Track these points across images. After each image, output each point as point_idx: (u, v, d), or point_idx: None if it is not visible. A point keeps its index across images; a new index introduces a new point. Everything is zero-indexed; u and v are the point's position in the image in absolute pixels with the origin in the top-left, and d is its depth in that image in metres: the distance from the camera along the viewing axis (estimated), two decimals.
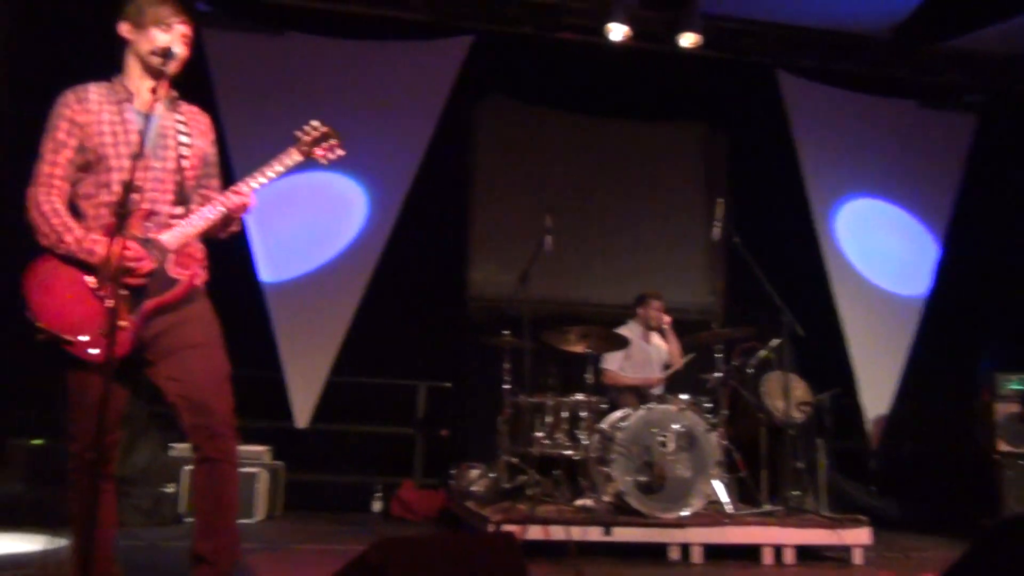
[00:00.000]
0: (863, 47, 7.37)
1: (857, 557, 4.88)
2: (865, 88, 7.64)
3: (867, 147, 7.70)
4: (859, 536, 4.91)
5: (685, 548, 4.73)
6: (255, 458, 6.07)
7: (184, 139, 2.81)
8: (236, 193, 2.77)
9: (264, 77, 6.76)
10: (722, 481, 5.13)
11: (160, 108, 2.80)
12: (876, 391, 7.32)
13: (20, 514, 5.04)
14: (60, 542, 2.52)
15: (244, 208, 2.80)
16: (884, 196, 7.78)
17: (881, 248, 7.68)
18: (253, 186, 2.80)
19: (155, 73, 2.72)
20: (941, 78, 7.51)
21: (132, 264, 2.56)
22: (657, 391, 5.99)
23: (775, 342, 5.73)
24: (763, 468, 5.59)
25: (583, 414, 5.29)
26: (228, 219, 2.82)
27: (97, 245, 2.62)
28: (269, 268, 6.69)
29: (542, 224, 5.53)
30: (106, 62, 2.90)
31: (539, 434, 5.37)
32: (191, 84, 3.01)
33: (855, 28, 7.20)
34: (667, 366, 6.24)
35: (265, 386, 6.48)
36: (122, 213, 2.44)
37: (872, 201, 7.77)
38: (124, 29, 2.78)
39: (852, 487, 6.81)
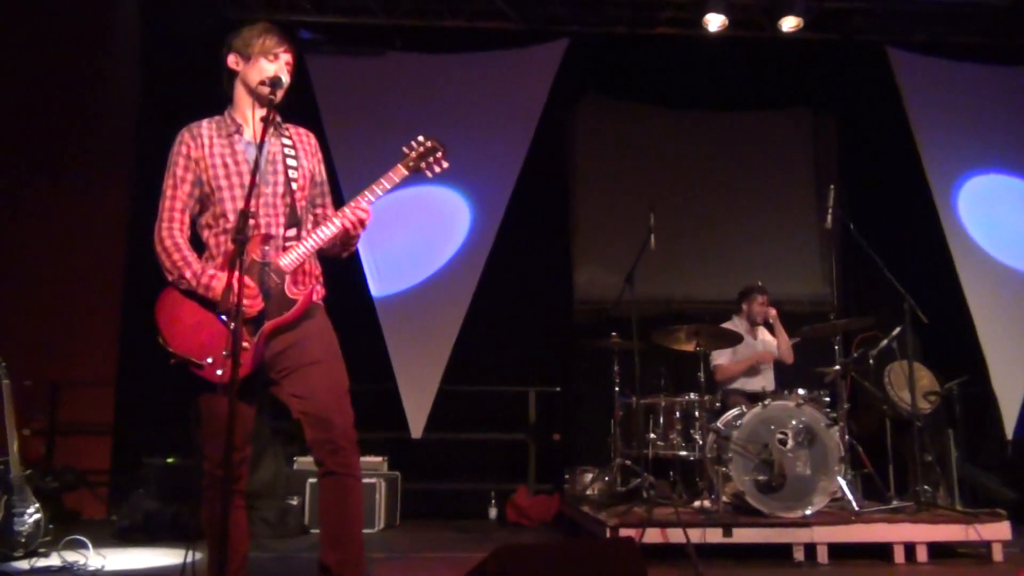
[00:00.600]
0: (978, 15, 7.02)
1: (997, 553, 4.62)
2: (984, 58, 7.26)
3: (988, 120, 7.30)
4: (998, 531, 4.65)
5: (810, 548, 4.58)
6: (373, 469, 6.24)
7: (291, 162, 2.91)
8: (355, 209, 2.84)
9: (367, 98, 6.98)
10: (846, 477, 4.95)
11: (267, 134, 2.91)
12: (1010, 377, 6.90)
13: (157, 530, 5.36)
14: (196, 556, 2.64)
15: (363, 224, 2.86)
16: (1009, 170, 7.36)
17: (1009, 225, 7.25)
18: (370, 200, 2.87)
19: (264, 102, 2.82)
20: None
21: (246, 302, 2.64)
22: (768, 386, 5.82)
23: (897, 331, 5.50)
24: (890, 463, 5.39)
25: (697, 413, 5.22)
26: (347, 236, 2.89)
27: (214, 280, 2.74)
28: (379, 283, 6.87)
29: (646, 223, 5.47)
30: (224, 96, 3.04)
31: (652, 435, 5.33)
32: (298, 110, 3.12)
33: None
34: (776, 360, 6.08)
35: (380, 398, 6.65)
36: (240, 240, 2.54)
37: (997, 176, 7.36)
38: (231, 61, 2.91)
39: (988, 479, 6.46)
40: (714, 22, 6.72)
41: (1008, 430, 6.89)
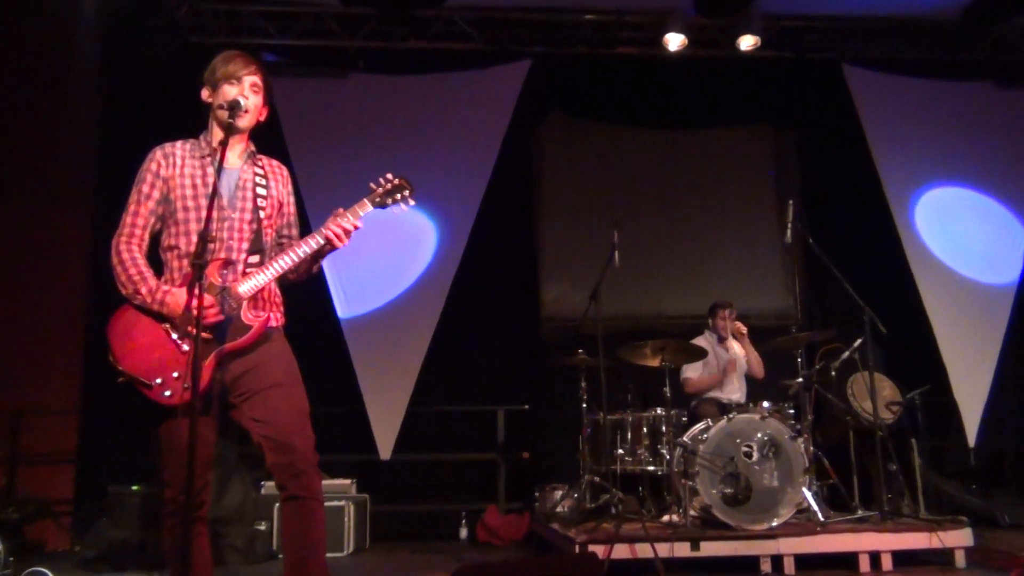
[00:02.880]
0: (931, 32, 7.19)
1: (960, 560, 4.69)
2: (937, 74, 7.43)
3: (943, 134, 7.47)
4: (960, 538, 4.73)
5: (777, 559, 4.63)
6: (341, 491, 6.20)
7: (261, 191, 2.93)
8: (341, 221, 2.85)
9: (331, 120, 6.98)
10: (811, 488, 5.00)
11: (239, 162, 2.94)
12: (970, 385, 7.02)
13: (123, 559, 5.27)
14: None
15: (347, 234, 2.88)
16: (965, 183, 7.51)
17: (965, 237, 7.40)
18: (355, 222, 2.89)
19: (226, 127, 2.82)
20: (1017, 56, 7.26)
21: (204, 312, 2.63)
22: (739, 399, 5.90)
23: (858, 342, 5.58)
24: (854, 473, 5.45)
25: (664, 428, 5.25)
26: (318, 256, 2.92)
27: (168, 296, 2.74)
28: (345, 304, 6.86)
29: (611, 240, 5.52)
30: (185, 118, 3.04)
31: (620, 451, 5.36)
32: (263, 132, 3.13)
33: (921, 13, 7.04)
34: (746, 374, 6.14)
35: (348, 420, 6.63)
36: (199, 263, 2.54)
37: (952, 189, 7.51)
38: (204, 94, 2.95)
39: (951, 487, 6.55)
40: (674, 42, 6.83)
41: (970, 438, 7.01)
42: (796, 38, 7.19)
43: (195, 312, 2.49)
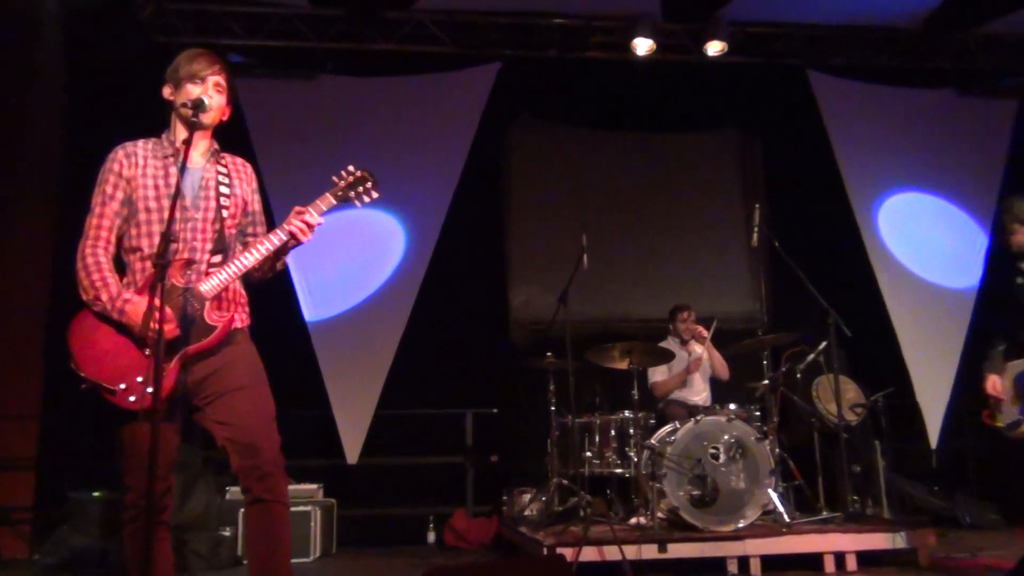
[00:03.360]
0: (894, 40, 7.30)
1: (922, 560, 4.76)
2: (900, 81, 7.55)
3: (905, 140, 7.59)
4: (923, 538, 4.80)
5: (743, 561, 4.67)
6: (308, 496, 6.14)
7: (224, 189, 2.89)
8: (302, 216, 2.81)
9: (299, 121, 6.93)
10: (777, 490, 5.05)
11: (202, 161, 2.89)
12: (933, 388, 7.13)
13: (83, 567, 5.18)
14: None
15: (311, 228, 2.83)
16: (926, 189, 7.64)
17: (927, 241, 7.52)
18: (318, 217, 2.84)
19: (190, 125, 2.77)
20: (977, 64, 7.40)
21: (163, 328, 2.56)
22: (704, 401, 5.94)
23: (823, 345, 5.65)
24: (819, 474, 5.51)
25: (631, 431, 5.27)
26: (280, 252, 2.87)
27: (128, 305, 2.69)
28: (312, 307, 6.80)
29: (579, 243, 5.53)
30: (151, 119, 3.00)
31: (588, 454, 5.37)
32: (228, 133, 3.10)
33: (885, 22, 7.14)
34: (712, 377, 6.18)
35: (315, 424, 6.57)
36: (161, 264, 2.50)
37: (914, 195, 7.63)
38: (166, 92, 2.89)
39: (914, 488, 6.65)
40: (642, 46, 6.87)
41: (932, 440, 7.12)
42: (763, 44, 7.26)
43: (157, 313, 2.45)
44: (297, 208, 2.86)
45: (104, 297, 2.71)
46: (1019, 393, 4.17)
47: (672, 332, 6.23)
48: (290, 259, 3.11)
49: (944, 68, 7.48)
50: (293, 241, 2.84)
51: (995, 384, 4.16)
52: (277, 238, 2.82)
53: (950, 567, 4.77)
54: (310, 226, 2.84)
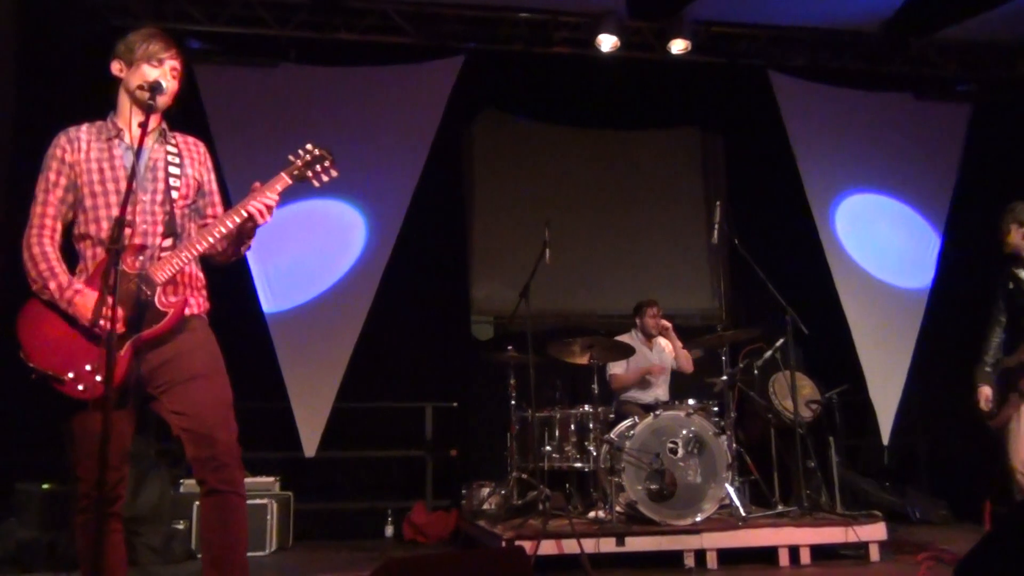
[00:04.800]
0: (854, 43, 7.40)
1: (874, 553, 4.86)
2: (859, 84, 7.66)
3: (863, 142, 7.68)
4: (875, 532, 4.89)
5: (700, 554, 4.72)
6: (265, 489, 6.06)
7: (174, 170, 2.81)
8: (260, 199, 2.74)
9: (259, 109, 6.80)
10: (734, 484, 5.10)
11: (149, 141, 2.80)
12: (885, 386, 7.25)
13: (31, 560, 5.06)
14: None
15: (269, 210, 2.76)
16: (882, 190, 7.75)
17: (882, 242, 7.64)
18: (272, 197, 2.78)
19: (144, 107, 2.70)
20: (934, 69, 7.53)
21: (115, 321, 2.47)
22: (663, 396, 5.98)
23: (780, 342, 5.72)
24: (775, 469, 5.57)
25: (591, 425, 5.29)
26: (241, 235, 2.81)
27: (77, 296, 2.62)
28: (270, 298, 6.69)
29: (541, 238, 5.53)
30: (106, 103, 2.92)
31: (548, 448, 5.37)
32: (187, 120, 3.03)
33: (845, 25, 7.23)
34: (673, 370, 6.23)
35: (272, 416, 6.49)
36: (113, 249, 2.44)
37: (871, 196, 7.74)
38: (115, 68, 2.80)
39: (866, 483, 6.77)
40: (606, 43, 6.89)
41: (884, 437, 7.24)
42: (726, 44, 7.31)
43: (109, 300, 2.39)
44: (255, 184, 2.79)
45: (52, 286, 2.64)
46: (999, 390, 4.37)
47: (637, 327, 6.25)
48: (249, 250, 3.05)
49: (903, 72, 7.60)
50: (251, 223, 2.77)
51: (987, 397, 4.39)
52: (232, 221, 2.75)
53: (900, 560, 4.86)
54: (269, 207, 2.77)
